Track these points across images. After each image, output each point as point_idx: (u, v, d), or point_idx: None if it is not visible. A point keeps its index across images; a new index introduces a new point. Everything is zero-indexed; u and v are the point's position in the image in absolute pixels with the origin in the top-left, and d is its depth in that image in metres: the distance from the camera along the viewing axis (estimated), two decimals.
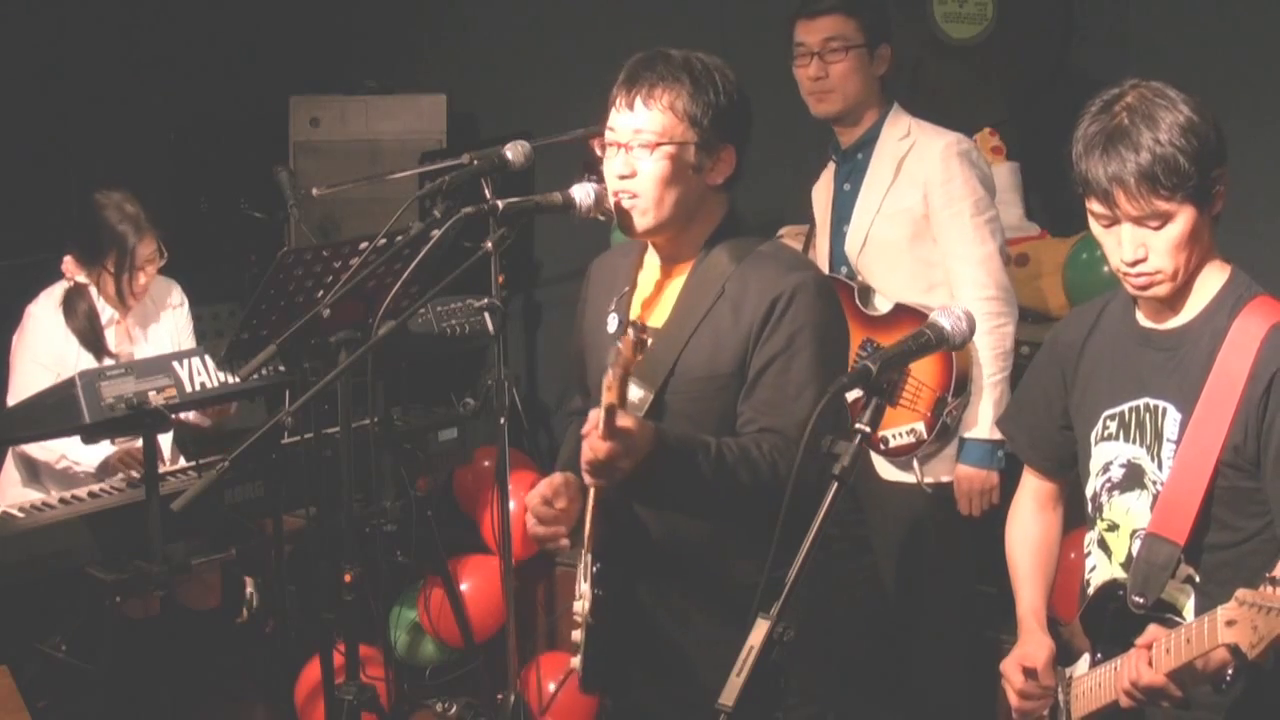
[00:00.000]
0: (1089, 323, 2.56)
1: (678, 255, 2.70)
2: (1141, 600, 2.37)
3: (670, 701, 2.72)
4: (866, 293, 3.73)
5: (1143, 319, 2.45)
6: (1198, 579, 2.36)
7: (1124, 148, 2.26)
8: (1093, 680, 2.46)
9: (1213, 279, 2.38)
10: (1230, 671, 2.16)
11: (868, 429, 2.08)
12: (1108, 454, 2.48)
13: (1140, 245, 2.31)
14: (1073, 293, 4.24)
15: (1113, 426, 2.46)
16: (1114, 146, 2.27)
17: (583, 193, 2.74)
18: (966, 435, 3.61)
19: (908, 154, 3.66)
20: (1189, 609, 2.37)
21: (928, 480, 3.64)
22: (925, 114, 4.70)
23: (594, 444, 2.34)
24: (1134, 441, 2.42)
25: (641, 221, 2.63)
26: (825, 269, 3.75)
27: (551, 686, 4.38)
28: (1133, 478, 2.43)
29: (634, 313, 2.75)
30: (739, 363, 2.59)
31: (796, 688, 2.09)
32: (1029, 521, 2.74)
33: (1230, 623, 2.06)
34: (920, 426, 3.58)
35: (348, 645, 3.44)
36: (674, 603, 2.70)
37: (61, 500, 3.74)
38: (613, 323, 2.77)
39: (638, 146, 2.59)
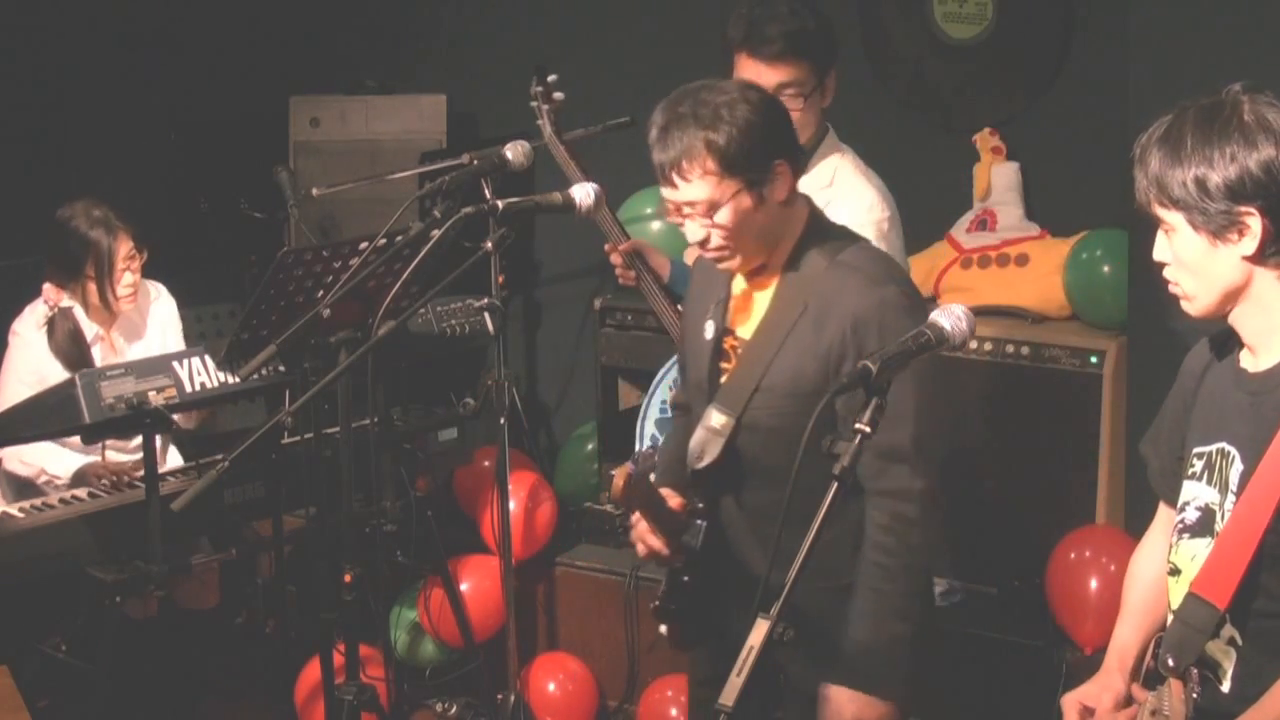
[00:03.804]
0: (1211, 354, 2.35)
1: (768, 269, 2.71)
2: (1173, 664, 2.22)
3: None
4: None
5: (1241, 358, 2.26)
6: (1240, 643, 2.19)
7: (1161, 145, 2.14)
8: None
9: None
10: None
11: (868, 429, 2.08)
12: (1189, 494, 2.30)
13: (1166, 249, 2.20)
14: (1073, 293, 4.24)
15: (1198, 466, 2.28)
16: (1154, 143, 2.16)
17: (583, 193, 2.75)
18: None
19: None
20: (1228, 675, 2.21)
21: None
22: (925, 114, 4.70)
23: None
24: (1214, 486, 2.24)
25: (741, 266, 2.68)
26: None
27: (552, 687, 4.38)
28: (1205, 524, 2.25)
29: (729, 323, 2.77)
30: (820, 381, 2.58)
31: None
32: (1153, 555, 2.48)
33: (1154, 712, 2.04)
34: None
35: (348, 645, 3.44)
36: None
37: (61, 500, 3.73)
38: (710, 330, 2.79)
39: (697, 216, 2.61)
